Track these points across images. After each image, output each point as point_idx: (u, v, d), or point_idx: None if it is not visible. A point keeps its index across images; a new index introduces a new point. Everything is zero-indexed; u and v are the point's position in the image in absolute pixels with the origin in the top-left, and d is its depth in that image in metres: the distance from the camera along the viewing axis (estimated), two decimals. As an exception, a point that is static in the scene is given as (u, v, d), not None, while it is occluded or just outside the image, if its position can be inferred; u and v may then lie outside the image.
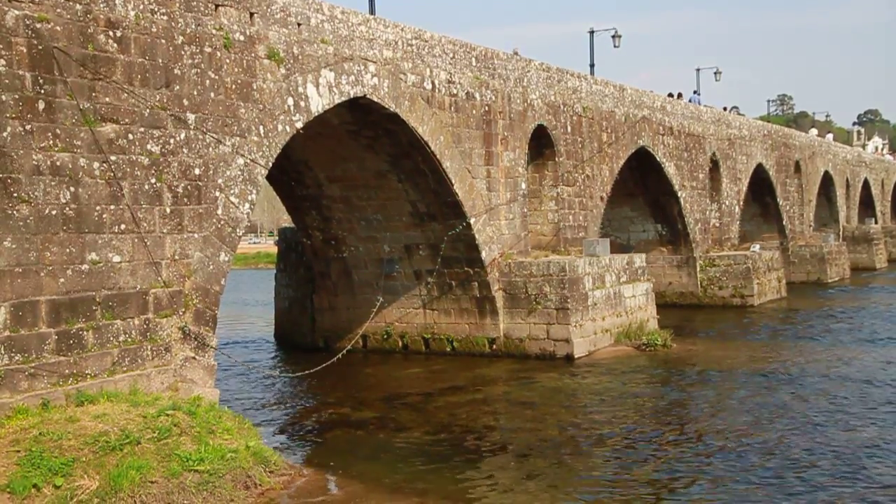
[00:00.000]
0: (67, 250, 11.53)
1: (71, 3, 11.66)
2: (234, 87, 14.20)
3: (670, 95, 35.15)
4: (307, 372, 17.44)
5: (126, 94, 12.30)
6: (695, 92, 42.70)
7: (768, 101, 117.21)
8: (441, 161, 19.61)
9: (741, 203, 37.94)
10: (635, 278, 24.32)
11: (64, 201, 11.48)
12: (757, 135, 40.23)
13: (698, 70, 48.42)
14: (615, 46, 38.24)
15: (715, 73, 49.46)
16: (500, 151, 21.86)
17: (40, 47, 11.23)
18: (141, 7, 12.61)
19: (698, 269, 33.13)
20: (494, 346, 21.55)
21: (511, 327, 21.50)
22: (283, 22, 15.42)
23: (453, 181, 20.00)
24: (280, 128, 15.20)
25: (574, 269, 21.27)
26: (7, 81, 10.82)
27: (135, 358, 12.36)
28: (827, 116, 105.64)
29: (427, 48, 19.55)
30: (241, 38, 14.43)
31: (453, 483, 11.85)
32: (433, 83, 19.58)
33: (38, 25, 11.22)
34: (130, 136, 12.37)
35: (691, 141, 33.25)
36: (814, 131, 60.67)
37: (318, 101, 16.16)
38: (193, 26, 13.47)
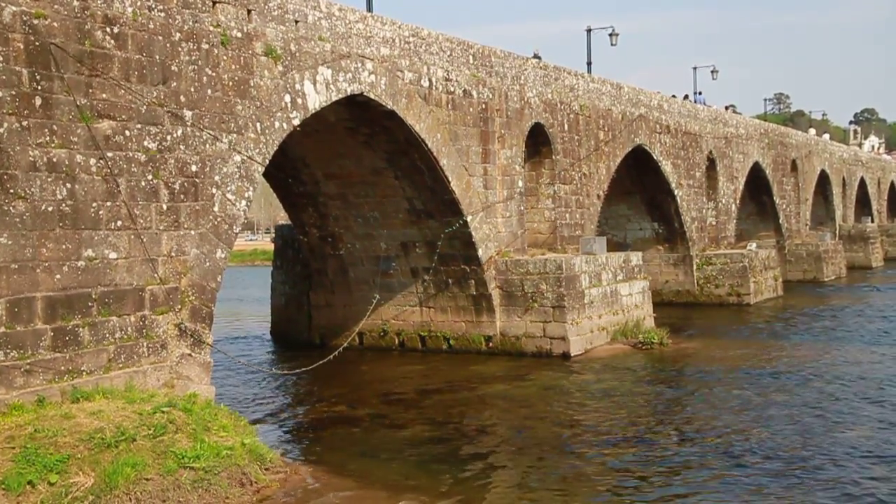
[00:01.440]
0: (64, 247, 11.52)
1: (68, 0, 11.64)
2: (231, 83, 14.19)
3: (674, 97, 35.12)
4: (303, 369, 17.47)
5: (123, 91, 12.29)
6: (699, 93, 42.77)
7: (765, 99, 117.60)
8: (438, 158, 19.61)
9: (738, 201, 37.98)
10: (632, 276, 24.36)
11: (60, 198, 11.47)
12: (754, 133, 40.26)
13: (695, 68, 48.34)
14: (612, 45, 38.18)
15: (712, 72, 49.40)
16: (497, 149, 21.87)
17: (37, 43, 11.22)
18: (138, 4, 12.60)
19: (695, 267, 33.19)
20: (491, 344, 21.58)
21: (507, 325, 21.52)
22: (281, 19, 15.41)
23: (450, 179, 20.00)
24: (277, 125, 15.19)
25: (571, 267, 21.29)
26: (4, 77, 10.81)
27: (131, 355, 12.36)
28: (824, 115, 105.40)
29: (424, 46, 19.54)
30: (239, 34, 14.41)
31: (449, 480, 11.86)
32: (430, 81, 19.57)
33: (36, 22, 11.20)
34: (127, 133, 12.36)
35: (688, 139, 33.27)
36: (812, 131, 60.76)
37: (316, 99, 16.16)
38: (191, 23, 13.46)
